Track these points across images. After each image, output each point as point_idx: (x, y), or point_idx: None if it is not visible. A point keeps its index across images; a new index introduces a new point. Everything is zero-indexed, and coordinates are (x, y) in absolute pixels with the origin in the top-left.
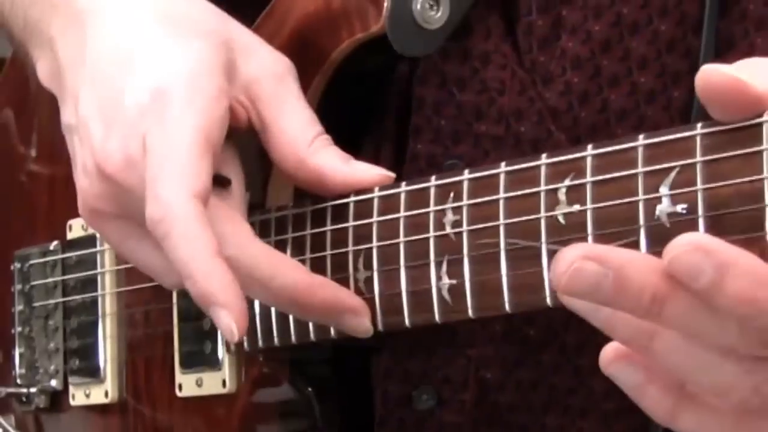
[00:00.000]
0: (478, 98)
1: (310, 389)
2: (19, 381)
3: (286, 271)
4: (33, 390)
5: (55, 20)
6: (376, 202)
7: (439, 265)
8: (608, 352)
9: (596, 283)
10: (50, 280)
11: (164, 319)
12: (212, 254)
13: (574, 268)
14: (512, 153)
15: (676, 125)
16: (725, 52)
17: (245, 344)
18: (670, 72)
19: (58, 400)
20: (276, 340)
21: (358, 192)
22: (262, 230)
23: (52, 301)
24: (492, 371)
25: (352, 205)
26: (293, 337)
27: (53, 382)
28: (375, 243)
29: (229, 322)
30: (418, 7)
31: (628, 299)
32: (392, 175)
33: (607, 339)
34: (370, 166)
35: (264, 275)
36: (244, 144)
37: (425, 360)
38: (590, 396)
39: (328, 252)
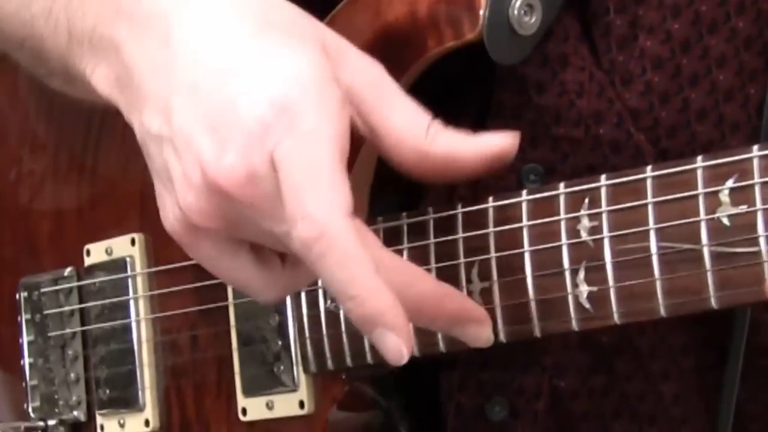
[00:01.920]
0: (558, 101)
1: (394, 409)
2: (32, 414)
3: (417, 281)
4: (51, 422)
5: (122, 25)
6: (491, 211)
7: (574, 272)
8: None
9: None
10: (66, 308)
11: (218, 344)
12: (374, 274)
13: None
14: (591, 156)
15: (753, 122)
16: None
17: (329, 363)
18: (748, 69)
19: (81, 431)
20: (368, 357)
21: (465, 203)
22: None
23: (69, 330)
24: (566, 379)
25: (460, 216)
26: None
27: (76, 413)
28: (493, 254)
29: (397, 343)
30: (515, 13)
31: None
32: (517, 133)
33: (677, 343)
34: (494, 134)
35: (396, 287)
36: None
37: (499, 371)
38: (659, 402)
39: (433, 265)
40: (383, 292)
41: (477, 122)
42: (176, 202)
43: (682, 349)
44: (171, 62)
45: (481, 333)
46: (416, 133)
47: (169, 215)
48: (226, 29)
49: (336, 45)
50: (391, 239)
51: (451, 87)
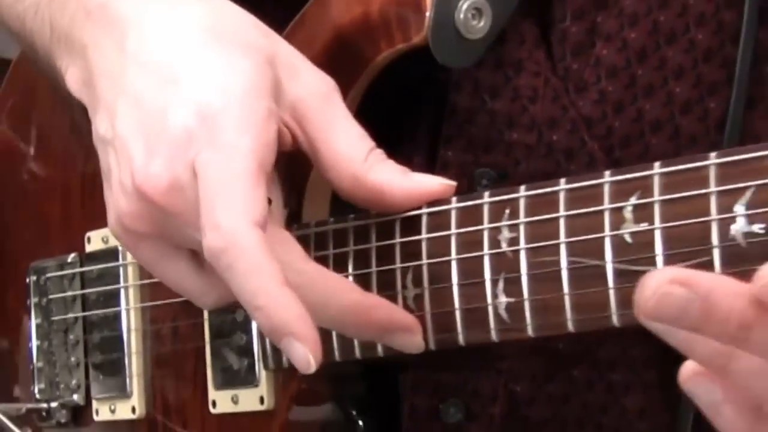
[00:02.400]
0: (511, 106)
1: (351, 406)
2: (38, 396)
3: (341, 293)
4: (53, 405)
5: (90, 27)
6: (424, 218)
7: (495, 283)
8: (687, 367)
9: (684, 308)
10: (69, 293)
11: (194, 335)
12: (281, 284)
13: (661, 292)
14: (544, 162)
15: (711, 136)
16: (763, 62)
17: (284, 360)
18: (707, 82)
19: (80, 415)
20: None
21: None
22: (301, 246)
23: (71, 315)
24: (522, 385)
25: (398, 221)
26: (336, 355)
27: (75, 397)
28: (425, 260)
29: (305, 353)
30: (461, 16)
31: (715, 325)
32: (453, 183)
33: (640, 356)
34: (430, 176)
35: (319, 299)
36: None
37: (454, 373)
38: (623, 415)
39: (374, 269)
40: (289, 303)
41: (432, 123)
42: (114, 205)
43: (645, 362)
44: (122, 68)
45: (410, 340)
46: (354, 158)
47: (111, 217)
48: (174, 39)
49: (287, 58)
50: (336, 242)
51: (411, 89)
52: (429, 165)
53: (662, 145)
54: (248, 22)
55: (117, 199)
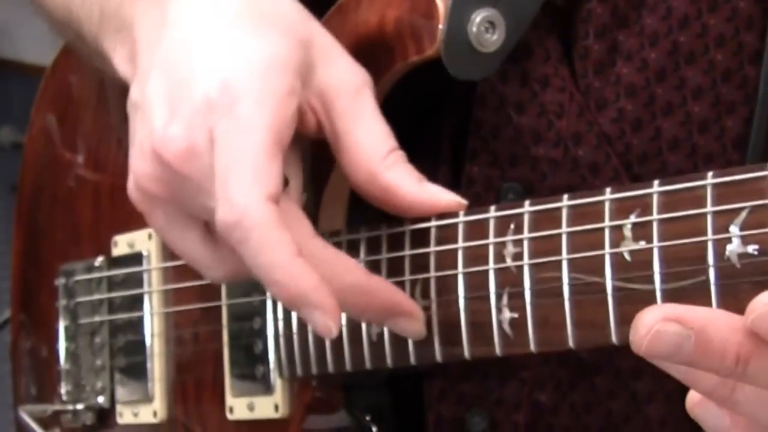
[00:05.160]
0: (537, 121)
1: (366, 415)
2: (64, 397)
3: (346, 269)
4: (80, 407)
5: (138, 3)
6: (433, 231)
7: (499, 297)
8: (694, 394)
9: (678, 344)
10: (96, 297)
11: (214, 341)
12: (295, 256)
13: (655, 330)
14: (570, 177)
15: (728, 155)
16: None
17: (298, 370)
18: (725, 102)
19: (105, 417)
20: (330, 367)
21: (414, 220)
22: None
23: (97, 318)
24: (546, 393)
25: (408, 233)
26: (348, 365)
27: (100, 400)
28: (433, 273)
29: (325, 320)
30: (474, 29)
31: (712, 360)
32: (464, 201)
33: None
34: (443, 189)
35: (327, 275)
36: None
37: (479, 382)
38: (646, 425)
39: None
40: (305, 274)
41: (455, 138)
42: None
43: (666, 372)
44: (159, 39)
45: (411, 326)
46: (374, 154)
47: (130, 180)
48: (210, 14)
49: (324, 44)
50: (349, 252)
51: (429, 100)
52: (454, 180)
53: (679, 163)
54: (291, 6)
55: (136, 161)
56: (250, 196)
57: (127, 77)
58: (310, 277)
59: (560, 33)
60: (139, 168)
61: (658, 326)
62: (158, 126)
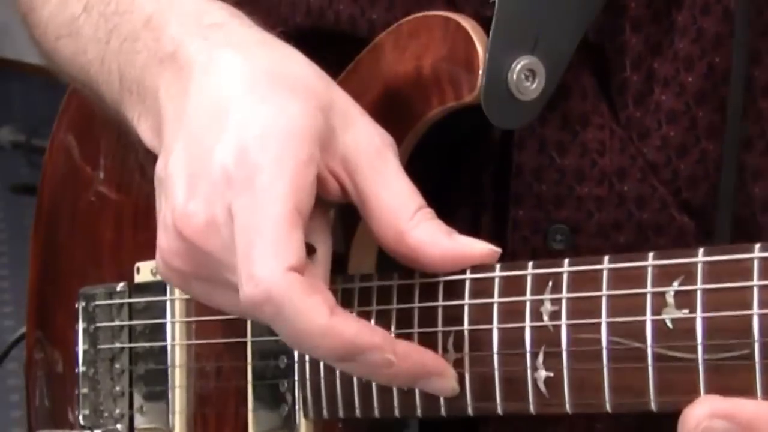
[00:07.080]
0: (580, 161)
1: None
2: (82, 422)
3: (369, 345)
4: None
5: (162, 74)
6: (468, 283)
7: (535, 355)
8: None
9: None
10: (116, 323)
11: (237, 377)
12: (329, 317)
13: (703, 427)
14: (616, 212)
15: None
16: None
17: (324, 411)
18: (766, 117)
19: None
20: (358, 412)
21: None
22: (345, 299)
23: (118, 345)
24: None
25: (442, 284)
26: (376, 412)
27: (119, 427)
28: (467, 326)
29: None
30: (514, 77)
31: None
32: (498, 250)
33: None
34: (474, 240)
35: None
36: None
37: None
38: None
39: (416, 330)
40: (340, 332)
41: (495, 182)
42: (158, 243)
43: None
44: (183, 110)
45: (444, 385)
46: (401, 215)
47: (157, 255)
48: (231, 83)
49: (344, 109)
50: (380, 299)
51: (465, 148)
52: (499, 225)
53: (728, 182)
54: (311, 71)
55: (161, 237)
56: (271, 269)
57: (155, 149)
58: (348, 333)
59: (592, 66)
60: (164, 244)
61: (705, 423)
62: (179, 202)
